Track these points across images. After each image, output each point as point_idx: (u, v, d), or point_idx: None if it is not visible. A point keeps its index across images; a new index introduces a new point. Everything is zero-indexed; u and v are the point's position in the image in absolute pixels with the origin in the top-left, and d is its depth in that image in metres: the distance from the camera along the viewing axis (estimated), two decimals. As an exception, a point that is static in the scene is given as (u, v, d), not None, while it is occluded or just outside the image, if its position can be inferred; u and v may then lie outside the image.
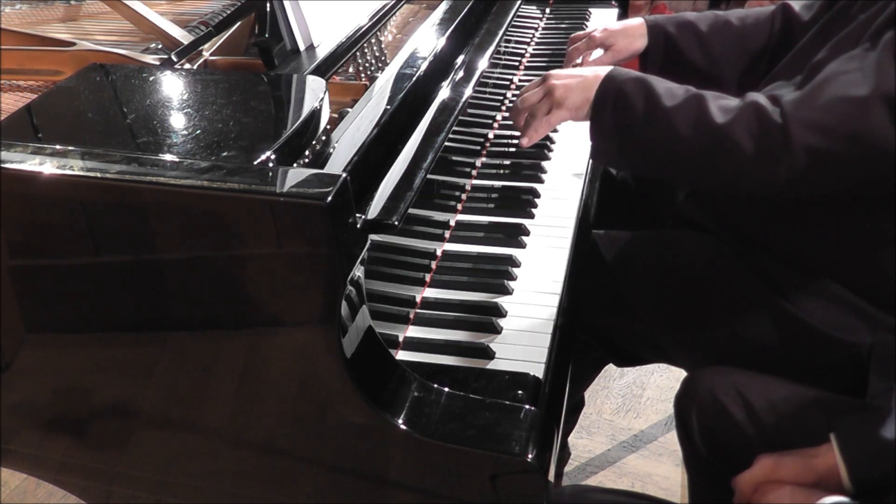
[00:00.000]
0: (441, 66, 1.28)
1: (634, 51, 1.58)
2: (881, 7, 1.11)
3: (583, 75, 1.20)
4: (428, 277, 1.13)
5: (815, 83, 1.06)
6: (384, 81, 1.17)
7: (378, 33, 1.38)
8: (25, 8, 1.53)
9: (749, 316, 1.23)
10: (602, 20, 2.07)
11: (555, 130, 1.52)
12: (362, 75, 1.26)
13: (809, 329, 1.18)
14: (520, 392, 0.92)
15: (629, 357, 1.43)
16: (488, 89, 1.53)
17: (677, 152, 1.11)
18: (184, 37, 1.26)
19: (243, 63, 1.25)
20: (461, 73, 1.30)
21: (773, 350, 1.21)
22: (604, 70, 1.19)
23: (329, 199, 0.76)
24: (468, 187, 1.34)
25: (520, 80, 1.72)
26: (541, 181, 1.38)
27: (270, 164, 0.85)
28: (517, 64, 1.78)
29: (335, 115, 1.05)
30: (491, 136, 1.49)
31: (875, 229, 1.11)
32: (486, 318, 1.05)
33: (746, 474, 0.99)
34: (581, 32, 1.70)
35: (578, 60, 1.67)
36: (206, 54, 1.22)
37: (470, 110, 1.38)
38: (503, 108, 1.60)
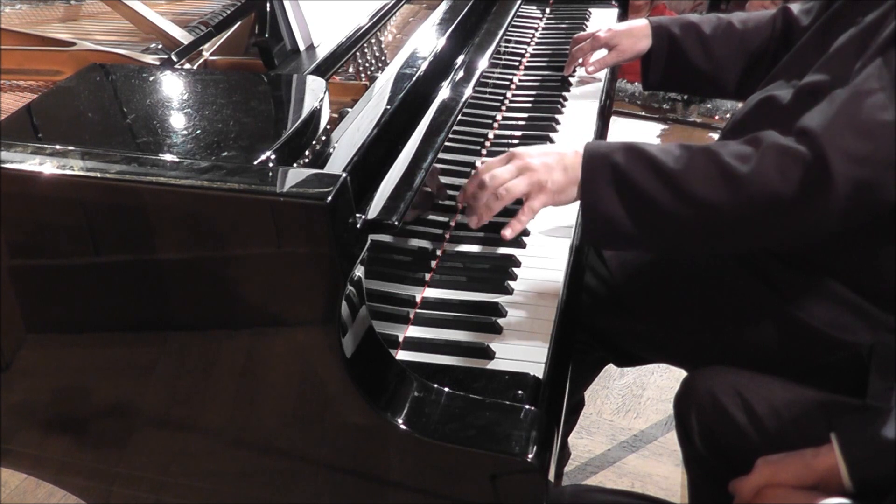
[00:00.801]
0: (441, 66, 1.28)
1: (638, 51, 1.58)
2: (885, 11, 1.11)
3: (560, 152, 1.10)
4: (428, 277, 1.13)
5: (840, 105, 1.01)
6: (384, 81, 1.17)
7: (378, 33, 1.38)
8: (25, 8, 1.53)
9: (749, 316, 1.23)
10: (602, 20, 2.07)
11: (555, 130, 1.53)
12: (362, 75, 1.26)
13: (809, 329, 1.18)
14: (520, 392, 0.92)
15: (629, 357, 1.43)
16: (488, 89, 1.53)
17: (704, 217, 1.03)
18: (184, 37, 1.26)
19: (243, 63, 1.25)
20: (461, 73, 1.30)
21: (772, 350, 1.21)
22: (578, 145, 1.10)
23: (329, 199, 0.76)
24: (468, 187, 1.34)
25: (520, 80, 1.72)
26: (541, 181, 1.38)
27: (270, 164, 0.85)
28: (517, 64, 1.78)
29: (335, 115, 1.05)
30: (491, 136, 1.49)
31: (875, 229, 1.11)
32: (486, 318, 1.05)
33: (746, 479, 0.99)
34: (585, 33, 1.70)
35: (580, 60, 1.67)
36: (206, 54, 1.22)
37: (470, 110, 1.38)
38: (503, 107, 1.60)
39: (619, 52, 1.60)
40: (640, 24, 1.59)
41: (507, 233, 1.11)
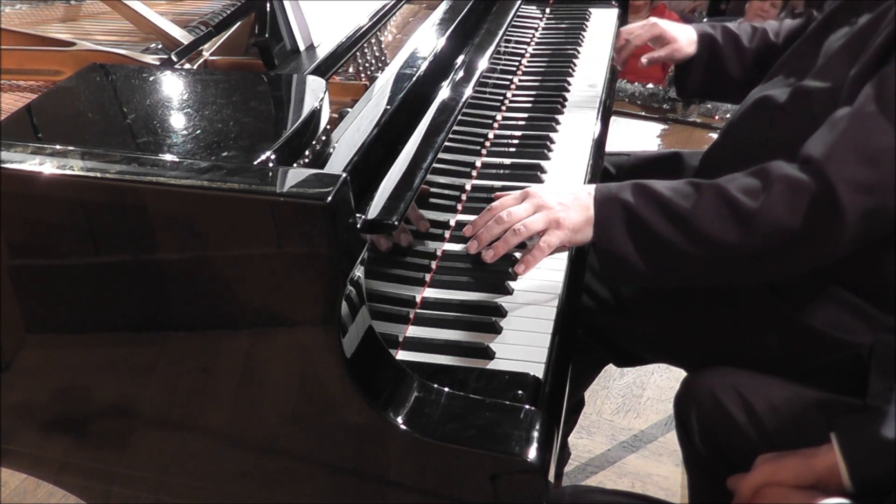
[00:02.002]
0: (441, 66, 1.28)
1: (688, 54, 1.57)
2: (878, 15, 1.11)
3: (574, 193, 1.10)
4: (428, 277, 1.13)
5: (841, 132, 1.02)
6: (384, 81, 1.17)
7: (378, 33, 1.38)
8: (25, 8, 1.53)
9: (749, 316, 1.23)
10: (602, 20, 2.08)
11: (555, 130, 1.53)
12: (362, 75, 1.26)
13: (809, 330, 1.18)
14: (520, 392, 0.92)
15: (629, 357, 1.43)
16: (488, 89, 1.53)
17: (716, 254, 1.04)
18: (184, 37, 1.26)
19: (243, 63, 1.25)
20: (461, 73, 1.30)
21: (773, 350, 1.21)
22: (591, 186, 1.11)
23: (329, 199, 0.76)
24: (468, 187, 1.34)
25: (520, 80, 1.72)
26: (540, 181, 1.38)
27: (270, 164, 0.85)
28: (517, 64, 1.78)
29: (335, 115, 1.05)
30: (491, 136, 1.49)
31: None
32: (486, 318, 1.05)
33: (746, 478, 0.99)
34: (638, 24, 1.64)
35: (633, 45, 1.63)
36: (206, 54, 1.22)
37: (470, 110, 1.38)
38: (503, 107, 1.60)
39: (672, 49, 1.57)
40: (686, 28, 1.59)
41: (521, 269, 1.11)
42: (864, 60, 1.07)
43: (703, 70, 1.56)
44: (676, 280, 1.13)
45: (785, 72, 1.31)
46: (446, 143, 1.14)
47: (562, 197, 1.10)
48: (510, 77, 1.70)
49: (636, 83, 3.79)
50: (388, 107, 1.07)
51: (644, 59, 1.64)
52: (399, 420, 0.84)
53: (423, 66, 1.20)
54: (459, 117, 1.20)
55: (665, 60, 1.62)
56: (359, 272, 0.85)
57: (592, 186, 1.11)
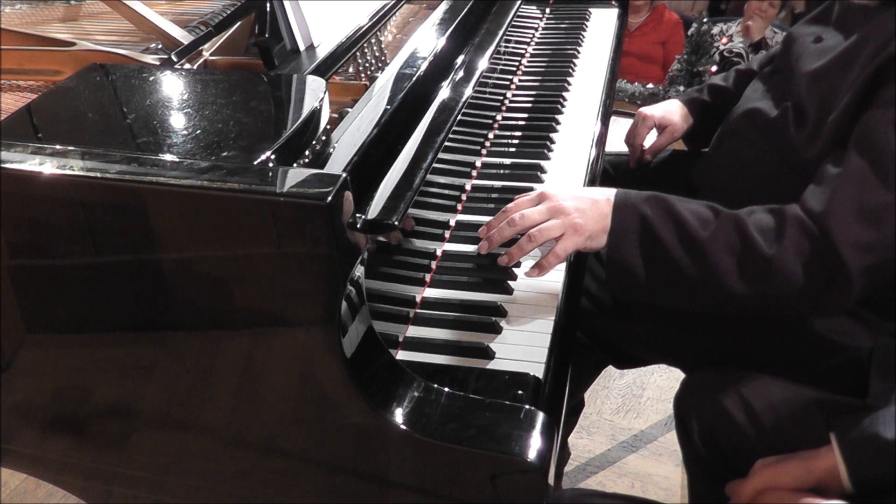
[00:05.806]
0: (441, 66, 1.28)
1: (686, 129, 1.58)
2: (853, 48, 1.11)
3: (592, 198, 1.09)
4: (428, 277, 1.13)
5: (835, 188, 1.02)
6: (384, 81, 1.17)
7: (378, 33, 1.38)
8: (25, 8, 1.53)
9: (749, 320, 1.22)
10: (602, 20, 2.08)
11: (555, 130, 1.53)
12: (362, 75, 1.26)
13: (810, 333, 1.18)
14: (520, 392, 0.92)
15: (629, 359, 1.43)
16: (488, 89, 1.53)
17: (720, 288, 1.04)
18: (184, 37, 1.26)
19: (243, 63, 1.25)
20: (461, 73, 1.30)
21: (772, 353, 1.21)
22: (610, 191, 1.10)
23: (329, 199, 0.76)
24: (468, 187, 1.34)
25: (520, 80, 1.72)
26: (541, 181, 1.38)
27: (270, 164, 0.85)
28: (517, 64, 1.78)
29: (335, 115, 1.05)
30: (491, 136, 1.49)
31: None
32: (487, 318, 1.05)
33: (744, 483, 0.99)
34: (632, 124, 1.63)
35: (643, 145, 1.63)
36: (206, 54, 1.22)
37: (470, 110, 1.38)
38: (503, 107, 1.60)
39: (671, 133, 1.58)
40: (674, 104, 1.59)
41: (535, 273, 1.11)
42: (842, 104, 1.08)
43: (706, 130, 1.55)
44: (675, 301, 1.12)
45: (769, 85, 1.32)
46: (446, 143, 1.14)
47: (579, 202, 1.09)
48: (510, 77, 1.70)
49: (636, 83, 3.79)
50: (388, 107, 1.07)
51: (649, 157, 1.62)
52: (399, 420, 0.84)
53: (423, 66, 1.20)
54: (459, 117, 1.20)
55: (669, 144, 1.61)
56: (359, 272, 0.85)
57: (612, 192, 1.10)
